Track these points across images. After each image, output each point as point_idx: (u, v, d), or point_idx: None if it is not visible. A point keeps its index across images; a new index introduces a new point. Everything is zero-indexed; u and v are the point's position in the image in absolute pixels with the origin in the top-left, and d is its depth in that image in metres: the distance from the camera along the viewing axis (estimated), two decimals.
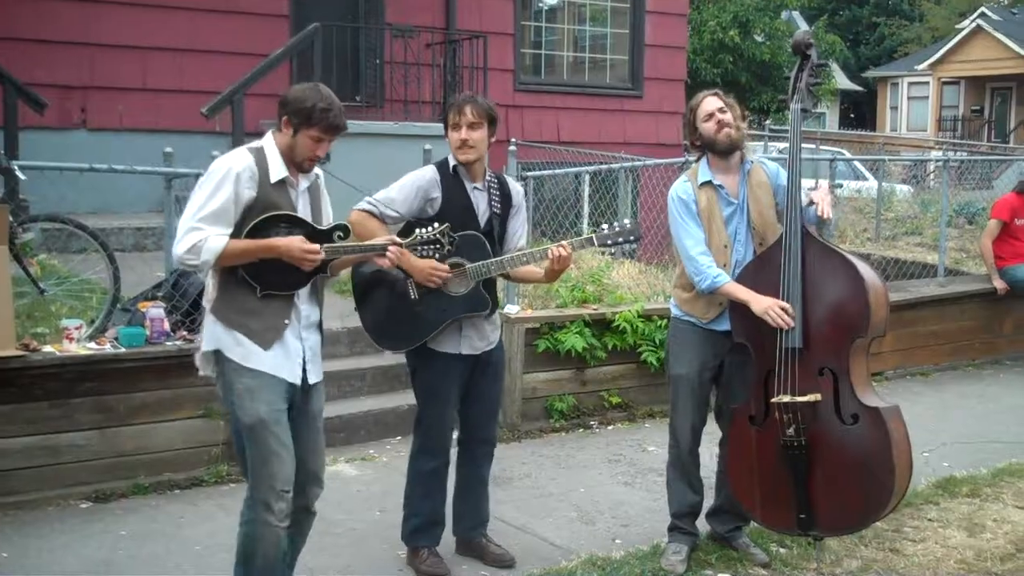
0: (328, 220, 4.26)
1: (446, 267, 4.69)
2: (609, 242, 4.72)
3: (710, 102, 4.95)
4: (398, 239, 4.30)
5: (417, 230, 4.36)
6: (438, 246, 4.35)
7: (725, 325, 4.97)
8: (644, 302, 8.07)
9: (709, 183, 4.95)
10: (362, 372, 7.29)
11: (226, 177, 3.96)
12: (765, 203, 4.93)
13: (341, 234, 4.15)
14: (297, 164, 4.09)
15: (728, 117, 4.91)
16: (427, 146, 8.30)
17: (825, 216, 4.68)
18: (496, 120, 4.86)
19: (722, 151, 4.92)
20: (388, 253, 4.20)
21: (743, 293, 4.75)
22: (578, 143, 13.09)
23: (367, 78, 12.13)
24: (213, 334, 4.10)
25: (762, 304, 4.66)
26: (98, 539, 5.39)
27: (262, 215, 4.00)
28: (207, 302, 4.14)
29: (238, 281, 4.04)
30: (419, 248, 4.34)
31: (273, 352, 4.06)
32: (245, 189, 3.97)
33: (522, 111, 13.45)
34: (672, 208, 4.98)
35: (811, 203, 4.73)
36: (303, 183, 4.16)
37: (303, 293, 4.16)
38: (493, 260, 4.76)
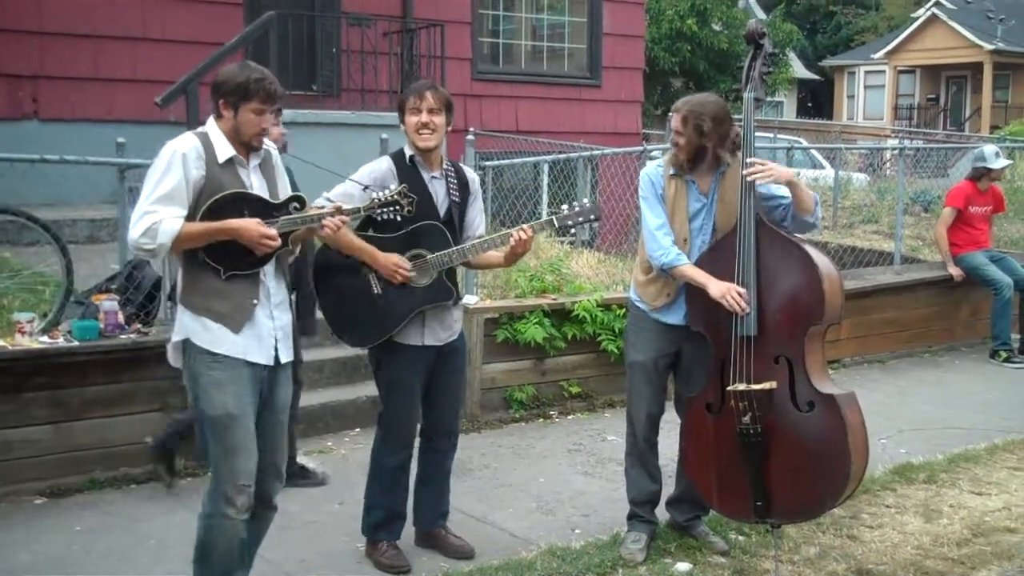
0: (287, 193, 4.26)
1: (408, 263, 4.71)
2: (569, 223, 4.75)
3: (673, 118, 4.97)
4: (343, 205, 4.28)
5: (374, 195, 4.36)
6: (397, 208, 4.35)
7: (674, 318, 5.01)
8: (603, 291, 8.10)
9: (680, 176, 4.96)
10: (320, 364, 7.26)
11: (173, 159, 3.97)
12: (731, 205, 4.90)
13: (297, 205, 4.15)
14: (246, 143, 4.08)
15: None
16: (384, 135, 8.27)
17: (761, 182, 4.66)
18: (452, 108, 4.88)
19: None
20: (326, 221, 4.18)
21: (701, 276, 4.78)
22: (537, 132, 13.11)
23: (323, 67, 12.07)
24: (181, 323, 4.10)
25: (720, 288, 4.69)
26: (52, 535, 5.34)
27: (214, 196, 3.99)
28: (177, 292, 4.14)
29: (201, 265, 4.04)
30: (378, 212, 4.34)
31: (244, 335, 4.05)
32: (193, 169, 3.98)
33: (480, 100, 13.44)
34: (641, 184, 5.04)
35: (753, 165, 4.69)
36: (253, 161, 4.16)
37: (269, 270, 4.15)
38: (454, 249, 4.76)
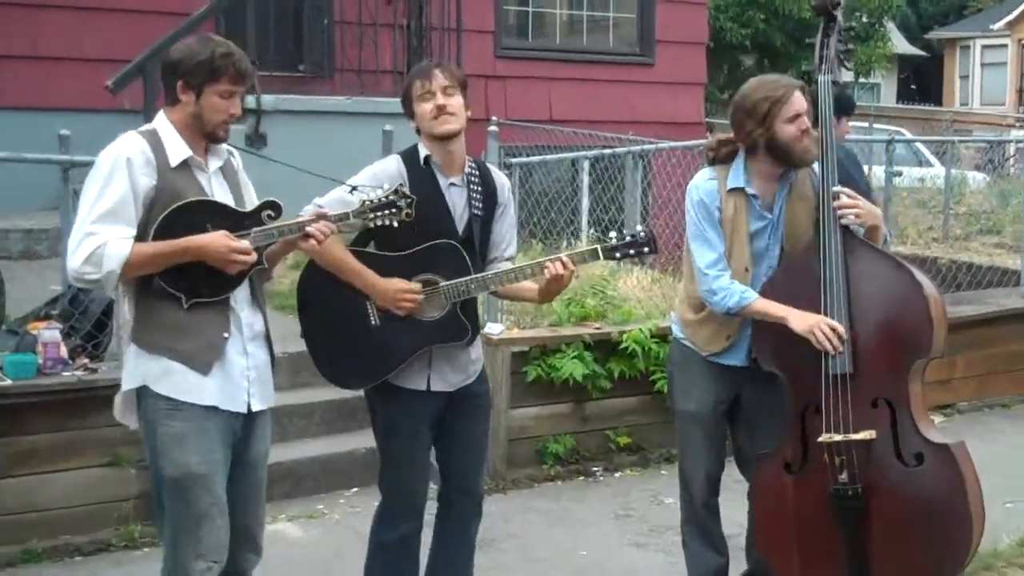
0: (254, 202, 4.27)
1: (419, 288, 4.63)
2: (618, 255, 4.70)
3: (799, 99, 4.82)
4: (326, 210, 4.27)
5: (364, 197, 4.34)
6: (394, 211, 4.31)
7: (733, 359, 4.99)
8: (658, 319, 8.09)
9: (741, 191, 4.92)
10: (308, 408, 7.28)
11: (116, 165, 3.97)
12: (804, 223, 4.89)
13: (271, 213, 4.14)
14: (210, 133, 4.10)
15: (809, 123, 4.84)
16: (387, 126, 8.31)
17: (845, 223, 4.70)
18: (468, 87, 4.82)
19: (796, 164, 4.87)
20: (310, 230, 4.16)
21: (777, 309, 4.75)
22: (575, 122, 13.07)
23: (312, 43, 12.11)
24: (135, 367, 4.09)
25: (806, 321, 4.66)
26: None
27: (169, 208, 3.99)
28: (124, 330, 4.14)
29: (157, 294, 4.04)
30: (370, 216, 4.30)
31: (212, 377, 4.07)
32: (141, 176, 3.98)
33: (505, 83, 13.47)
34: (691, 207, 4.97)
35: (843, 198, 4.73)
36: (213, 163, 4.18)
37: (241, 296, 4.16)
38: (474, 278, 4.67)
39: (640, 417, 8.03)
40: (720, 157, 5.02)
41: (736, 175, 4.92)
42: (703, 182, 4.99)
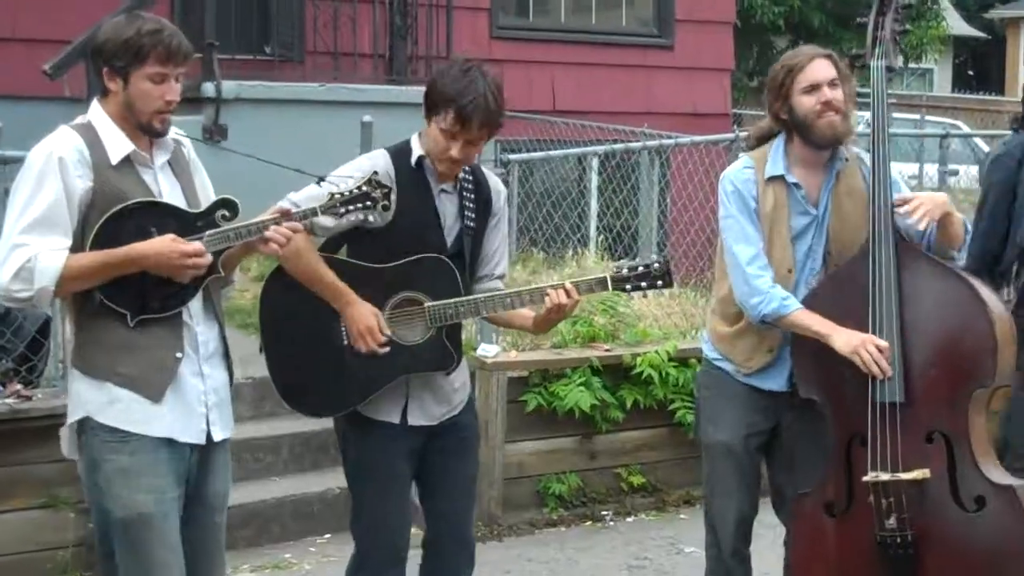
0: (208, 199, 4.25)
1: (383, 339, 4.59)
2: (628, 287, 4.70)
3: (819, 68, 4.84)
4: (289, 207, 4.25)
5: (332, 189, 4.29)
6: (368, 203, 4.28)
7: (773, 382, 4.97)
8: (677, 339, 8.10)
9: (781, 179, 4.93)
10: (275, 441, 7.27)
11: (47, 168, 3.96)
12: (853, 220, 4.88)
13: (226, 212, 4.13)
14: (145, 126, 4.08)
15: (838, 96, 4.82)
16: (366, 117, 8.30)
17: (923, 227, 4.70)
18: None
19: (818, 143, 4.86)
20: (269, 233, 4.12)
21: (820, 324, 4.73)
22: (582, 113, 13.13)
23: (280, 22, 12.14)
24: (78, 395, 4.08)
25: (849, 340, 4.65)
26: None
27: (108, 212, 3.98)
28: (68, 353, 4.14)
29: (98, 310, 4.03)
30: (340, 211, 4.26)
31: (165, 404, 4.06)
32: (76, 179, 3.97)
33: (502, 68, 13.26)
34: (724, 199, 4.97)
35: (902, 204, 4.73)
36: (159, 157, 4.17)
37: (195, 309, 4.16)
38: (464, 300, 4.66)
39: (656, 453, 8.03)
40: (760, 142, 5.05)
41: (775, 161, 4.92)
42: (738, 171, 4.99)
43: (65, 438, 4.18)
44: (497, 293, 4.74)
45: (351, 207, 4.26)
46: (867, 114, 4.93)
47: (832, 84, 4.80)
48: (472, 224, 4.81)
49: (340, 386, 4.72)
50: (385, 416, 4.73)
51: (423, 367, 4.72)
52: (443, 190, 4.76)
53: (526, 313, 4.82)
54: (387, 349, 4.59)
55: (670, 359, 7.82)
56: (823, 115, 4.78)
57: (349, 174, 4.55)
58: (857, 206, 4.87)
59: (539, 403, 7.59)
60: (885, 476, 4.62)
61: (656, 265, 4.68)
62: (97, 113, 4.10)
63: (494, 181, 4.99)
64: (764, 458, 5.16)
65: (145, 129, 4.08)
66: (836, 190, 4.92)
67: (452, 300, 4.64)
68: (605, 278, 4.70)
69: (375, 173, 4.36)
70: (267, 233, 4.11)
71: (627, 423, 7.87)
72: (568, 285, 4.62)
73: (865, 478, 4.65)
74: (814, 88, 4.78)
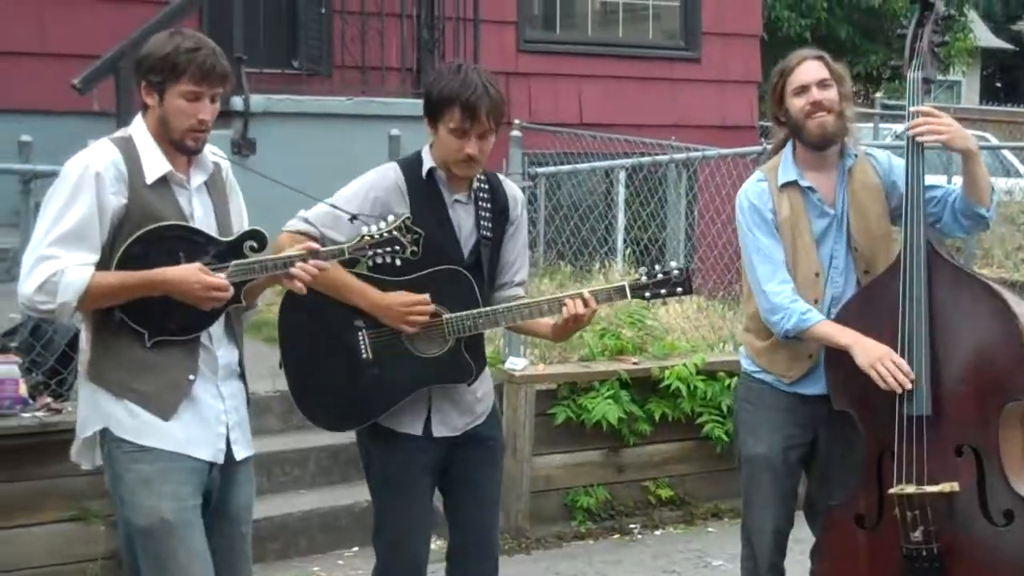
0: (242, 225, 4.26)
1: (427, 300, 4.60)
2: (647, 295, 4.68)
3: (808, 69, 4.90)
4: (316, 246, 4.22)
5: (363, 229, 4.28)
6: (398, 248, 4.27)
7: (817, 387, 4.95)
8: (706, 352, 8.10)
9: (794, 184, 4.94)
10: (303, 454, 7.28)
11: (83, 181, 3.96)
12: (873, 214, 4.91)
13: (254, 244, 4.13)
14: (178, 143, 4.08)
15: (830, 96, 4.86)
16: (394, 131, 8.30)
17: (924, 140, 4.69)
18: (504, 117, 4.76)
19: (810, 143, 4.90)
20: (295, 271, 4.11)
21: (844, 336, 4.73)
22: (609, 126, 13.11)
23: (308, 36, 12.16)
24: (94, 407, 4.10)
25: (868, 354, 4.64)
26: None
27: (138, 231, 3.99)
28: (81, 364, 4.14)
29: (117, 328, 4.04)
30: (369, 253, 4.26)
31: (181, 421, 4.07)
32: (111, 195, 3.98)
33: (529, 81, 13.48)
34: (741, 218, 4.99)
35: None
36: (196, 178, 4.17)
37: (216, 333, 4.17)
38: (484, 311, 4.66)
39: (684, 466, 8.02)
40: (773, 152, 5.09)
41: (786, 168, 4.96)
42: (751, 185, 5.02)
43: (77, 447, 4.20)
44: (515, 304, 4.72)
45: (379, 250, 4.25)
46: (898, 127, 4.93)
47: (822, 84, 4.87)
48: (489, 234, 4.80)
49: (360, 399, 4.72)
50: (407, 428, 4.73)
51: (442, 379, 4.72)
52: (457, 200, 4.75)
53: (545, 322, 4.81)
54: (434, 307, 4.60)
55: (698, 372, 7.82)
56: (812, 115, 4.84)
57: (372, 196, 4.60)
58: (874, 200, 4.90)
59: (567, 416, 7.59)
60: (910, 489, 4.61)
61: (675, 272, 4.66)
62: (139, 128, 4.11)
63: (511, 188, 4.96)
64: (804, 472, 5.16)
65: (178, 146, 4.09)
66: (850, 187, 4.94)
67: (470, 312, 4.64)
68: (623, 286, 4.70)
69: (408, 218, 4.32)
70: (293, 271, 4.10)
71: (655, 436, 7.86)
72: (586, 294, 4.61)
73: (891, 490, 4.65)
74: (803, 89, 4.86)
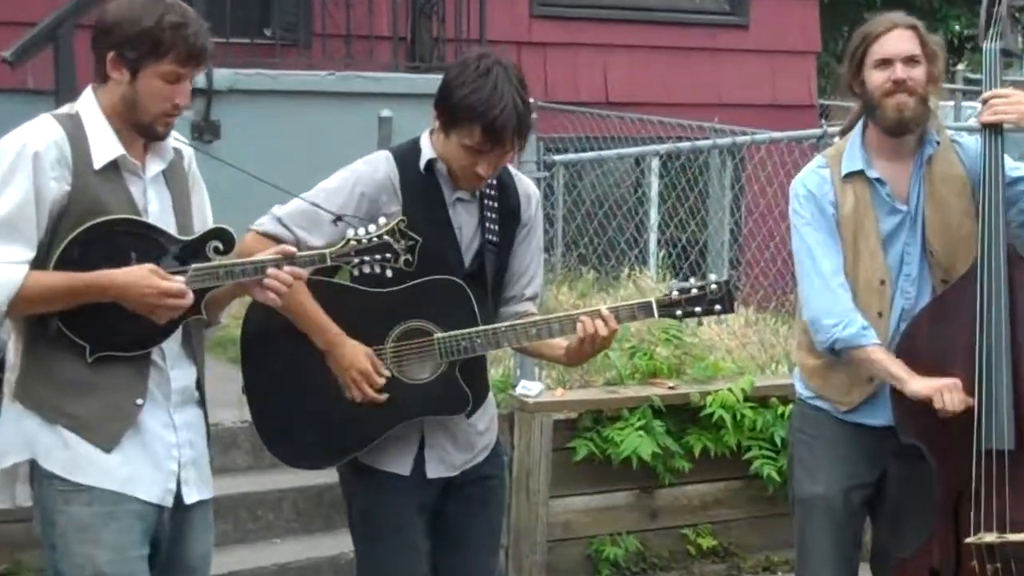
0: (205, 223, 4.27)
1: (383, 374, 4.59)
2: (679, 313, 4.64)
3: (896, 40, 4.84)
4: (293, 249, 4.18)
5: (349, 232, 4.24)
6: (389, 256, 4.23)
7: (881, 416, 4.94)
8: (754, 375, 8.12)
9: (861, 174, 4.93)
10: (276, 496, 7.29)
11: (18, 163, 3.94)
12: (955, 210, 4.90)
13: (219, 245, 4.10)
14: (147, 127, 4.07)
15: (916, 76, 4.81)
16: (385, 111, 8.34)
17: (984, 119, 4.73)
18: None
19: (882, 125, 4.88)
20: (268, 281, 4.07)
21: (895, 368, 4.73)
22: (639, 105, 13.12)
23: (284, 1, 12.21)
24: (18, 433, 4.09)
25: (925, 386, 4.63)
26: None
27: (82, 225, 3.97)
28: (7, 381, 4.13)
29: (54, 338, 4.03)
30: (356, 259, 4.23)
31: (124, 455, 4.06)
32: (51, 181, 3.95)
33: (545, 52, 13.51)
34: (796, 205, 5.00)
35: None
36: (153, 166, 4.16)
37: (170, 351, 4.17)
38: (482, 330, 4.62)
39: (729, 510, 8.05)
40: (842, 133, 5.10)
41: (852, 155, 4.95)
42: (810, 172, 5.03)
43: None
44: (520, 322, 4.69)
45: (367, 257, 4.22)
46: (979, 105, 4.95)
47: (910, 61, 4.81)
48: (495, 239, 4.77)
49: (334, 432, 4.71)
50: (393, 467, 4.73)
51: (432, 410, 4.70)
52: (459, 198, 4.71)
53: (557, 343, 4.75)
54: (386, 396, 4.57)
55: (746, 399, 7.81)
56: (892, 94, 4.78)
57: (359, 192, 4.58)
58: (957, 195, 4.89)
59: (590, 451, 7.58)
60: (990, 537, 4.63)
61: (713, 286, 4.60)
62: (88, 104, 4.09)
63: (523, 184, 4.92)
64: (870, 517, 5.19)
65: (145, 131, 4.07)
66: (928, 179, 4.91)
67: (467, 330, 4.60)
68: (650, 303, 4.63)
69: (402, 221, 4.27)
70: (266, 280, 4.07)
71: (694, 474, 7.87)
72: (605, 312, 4.56)
73: (968, 539, 4.67)
74: (886, 63, 4.81)
